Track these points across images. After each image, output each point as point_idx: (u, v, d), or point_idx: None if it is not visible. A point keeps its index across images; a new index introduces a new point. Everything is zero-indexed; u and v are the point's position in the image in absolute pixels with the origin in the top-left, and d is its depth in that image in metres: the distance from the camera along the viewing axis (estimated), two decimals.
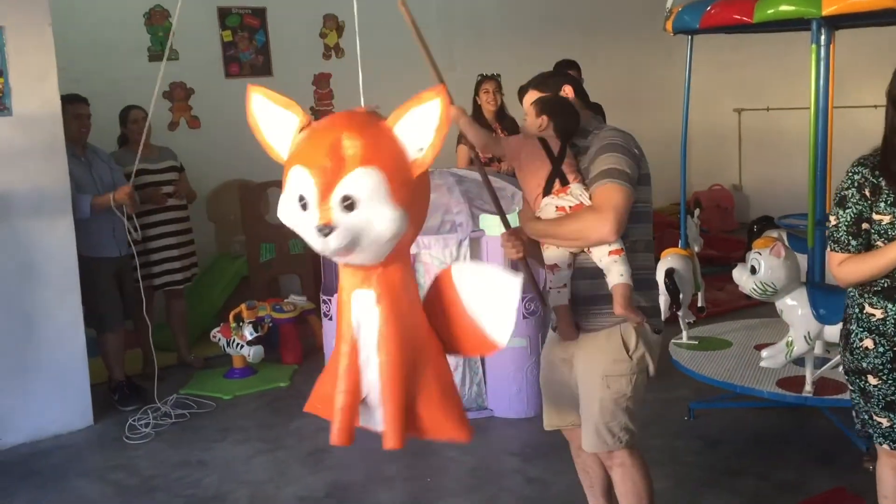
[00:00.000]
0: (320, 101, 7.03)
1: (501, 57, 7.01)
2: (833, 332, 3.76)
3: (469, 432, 1.99)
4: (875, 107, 8.66)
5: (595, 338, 2.61)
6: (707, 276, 5.08)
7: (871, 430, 2.53)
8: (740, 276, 3.83)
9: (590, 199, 2.51)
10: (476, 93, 5.55)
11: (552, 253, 2.60)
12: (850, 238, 2.41)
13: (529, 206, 2.64)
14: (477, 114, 5.50)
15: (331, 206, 1.66)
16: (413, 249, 4.21)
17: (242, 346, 5.05)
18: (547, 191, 2.55)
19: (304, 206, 1.71)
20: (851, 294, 2.52)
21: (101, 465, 4.12)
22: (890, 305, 2.39)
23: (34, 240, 4.41)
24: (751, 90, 9.13)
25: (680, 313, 4.40)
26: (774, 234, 4.59)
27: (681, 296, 4.28)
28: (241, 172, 6.31)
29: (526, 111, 2.70)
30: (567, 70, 5.60)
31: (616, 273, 2.53)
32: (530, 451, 3.98)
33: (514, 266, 2.81)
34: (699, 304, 4.70)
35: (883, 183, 2.37)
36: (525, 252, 2.63)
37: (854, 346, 2.48)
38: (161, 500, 3.74)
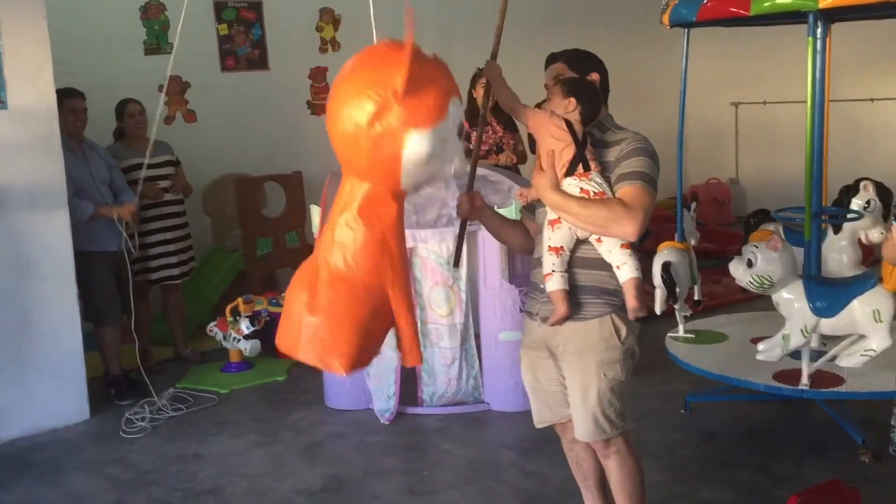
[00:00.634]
0: (316, 95, 7.02)
1: (499, 50, 6.99)
2: (829, 325, 3.77)
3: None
4: (871, 100, 8.70)
5: (587, 327, 2.62)
6: (704, 270, 5.08)
7: None
8: (737, 269, 3.83)
9: (612, 191, 2.53)
10: (472, 86, 5.55)
11: (561, 235, 2.59)
12: None
13: (547, 174, 2.57)
14: (472, 106, 5.50)
15: None
16: (409, 243, 4.24)
17: (239, 341, 5.05)
18: (570, 172, 2.55)
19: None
20: None
21: (98, 459, 4.12)
22: None
23: (30, 234, 4.40)
24: (747, 84, 9.13)
25: (676, 307, 4.40)
26: (771, 227, 4.58)
27: (677, 289, 4.28)
28: (238, 166, 6.31)
29: (551, 85, 2.68)
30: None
31: (632, 267, 2.55)
32: (527, 445, 3.99)
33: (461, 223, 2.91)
34: (696, 298, 4.70)
35: None
36: (473, 216, 2.82)
37: None
38: (157, 494, 3.74)
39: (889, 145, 8.15)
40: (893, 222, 3.11)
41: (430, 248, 4.29)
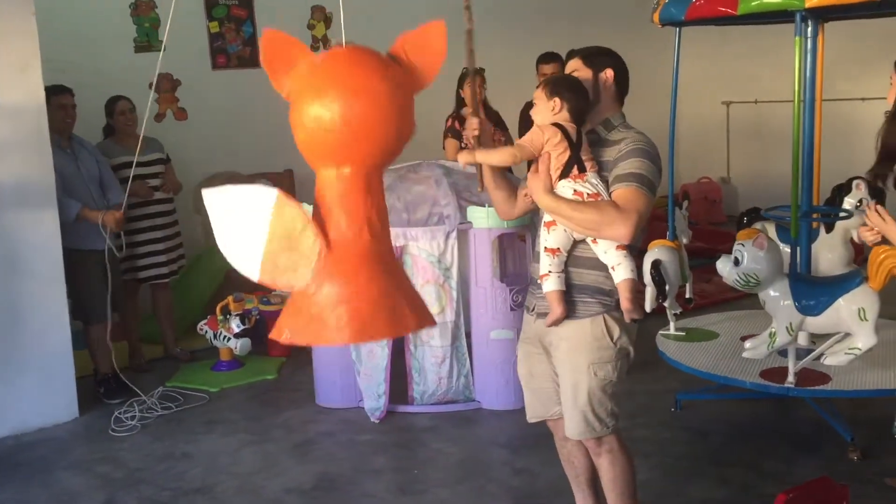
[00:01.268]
0: None
1: (490, 48, 6.97)
2: (815, 323, 3.78)
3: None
4: (863, 99, 8.72)
5: (580, 326, 2.62)
6: (695, 268, 5.09)
7: None
8: (724, 267, 3.85)
9: (608, 193, 2.52)
10: (460, 85, 5.54)
11: (558, 236, 2.59)
12: None
13: (540, 176, 2.55)
14: (460, 106, 5.50)
15: None
16: (400, 241, 4.23)
17: (229, 339, 5.03)
18: (564, 175, 2.54)
19: None
20: None
21: (87, 458, 4.10)
22: None
23: (19, 232, 4.38)
24: (739, 83, 9.14)
25: (667, 304, 4.41)
26: (759, 225, 4.60)
27: (667, 287, 4.29)
28: (229, 164, 6.28)
29: (535, 95, 2.66)
30: (549, 62, 5.61)
31: (627, 269, 2.55)
32: (518, 443, 3.99)
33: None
34: (687, 296, 4.71)
35: None
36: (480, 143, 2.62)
37: None
38: (147, 492, 3.72)
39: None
40: (866, 205, 3.10)
41: (421, 247, 4.28)
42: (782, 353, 3.88)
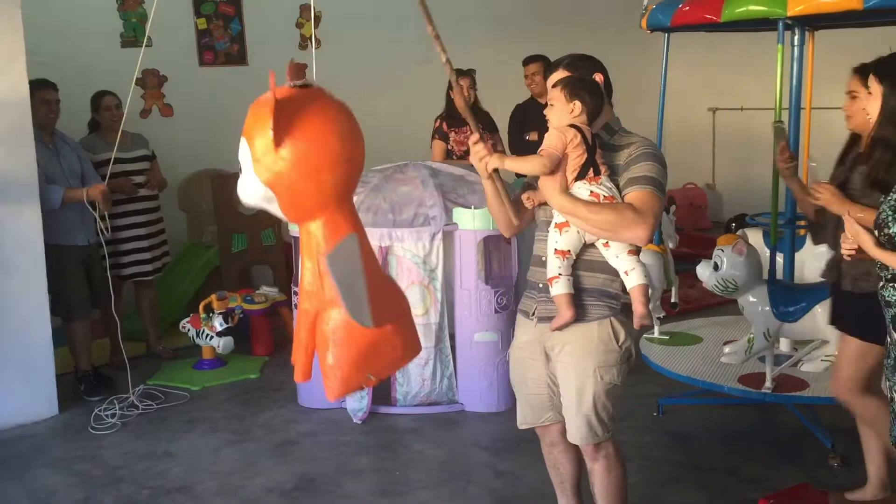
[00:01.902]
0: None
1: (478, 51, 6.99)
2: (793, 329, 3.81)
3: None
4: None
5: (586, 329, 2.60)
6: (680, 273, 5.12)
7: None
8: (704, 272, 3.88)
9: (621, 195, 2.52)
10: (450, 88, 5.54)
11: (570, 238, 2.57)
12: None
13: (554, 177, 2.52)
14: (451, 107, 5.50)
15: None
16: (385, 242, 4.23)
17: (212, 337, 5.00)
18: (580, 177, 2.53)
19: None
20: None
21: (66, 456, 4.06)
22: None
23: (1, 227, 4.33)
24: (725, 90, 9.19)
25: (651, 308, 4.42)
26: (741, 232, 4.63)
27: (650, 291, 4.30)
28: (215, 161, 6.24)
29: (550, 97, 2.61)
30: (533, 62, 5.62)
31: (640, 273, 2.56)
32: (500, 445, 3.99)
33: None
34: (672, 300, 4.73)
35: None
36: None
37: None
38: (126, 490, 3.70)
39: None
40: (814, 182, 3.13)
41: (407, 248, 4.28)
42: (762, 358, 3.90)
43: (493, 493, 3.59)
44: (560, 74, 2.67)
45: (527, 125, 5.52)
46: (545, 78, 2.80)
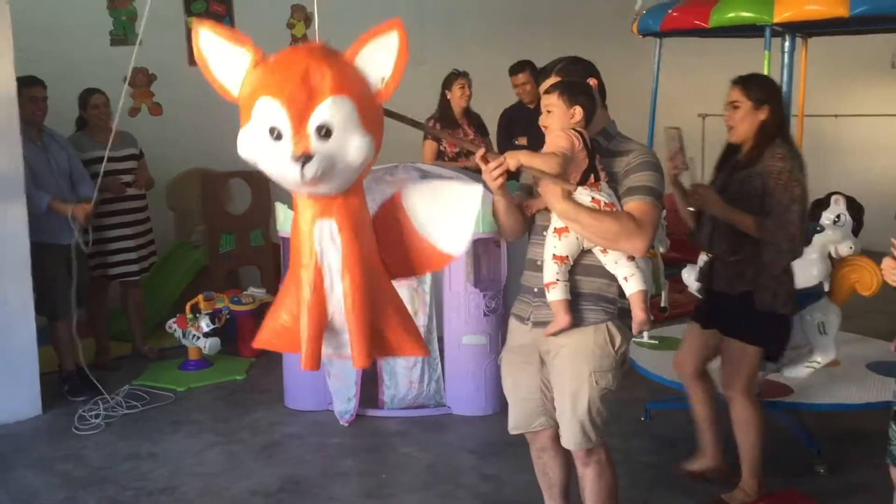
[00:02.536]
0: None
1: (471, 52, 7.00)
2: None
3: (425, 349, 2.07)
4: (836, 116, 8.79)
5: (583, 333, 2.59)
6: (669, 278, 5.12)
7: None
8: (689, 276, 3.88)
9: (620, 204, 2.52)
10: (446, 87, 5.53)
11: (569, 244, 2.56)
12: None
13: (557, 183, 2.48)
14: (445, 108, 5.49)
15: (308, 134, 1.67)
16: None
17: (198, 338, 4.97)
18: (581, 182, 2.51)
19: (277, 137, 1.69)
20: None
21: (49, 456, 4.02)
22: None
23: None
24: (715, 95, 9.19)
25: None
26: None
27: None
28: (203, 161, 6.22)
29: (548, 103, 2.57)
30: (519, 72, 5.62)
31: (640, 280, 2.56)
32: (487, 449, 3.97)
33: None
34: (662, 305, 4.74)
35: None
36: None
37: None
38: (109, 491, 3.66)
39: (852, 161, 8.27)
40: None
41: None
42: None
43: (480, 496, 3.57)
44: (554, 80, 2.65)
45: (515, 129, 5.52)
46: (538, 84, 2.78)
